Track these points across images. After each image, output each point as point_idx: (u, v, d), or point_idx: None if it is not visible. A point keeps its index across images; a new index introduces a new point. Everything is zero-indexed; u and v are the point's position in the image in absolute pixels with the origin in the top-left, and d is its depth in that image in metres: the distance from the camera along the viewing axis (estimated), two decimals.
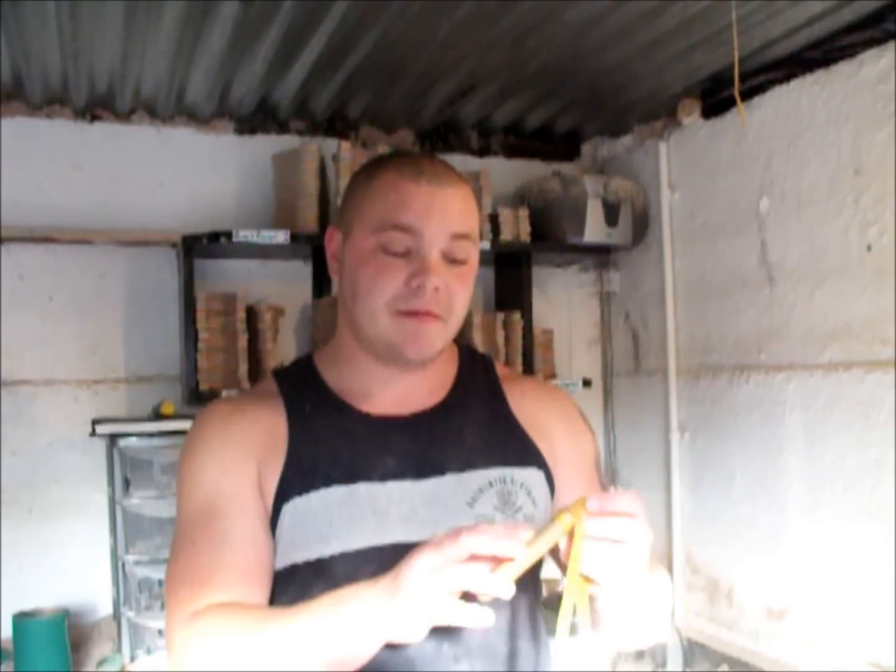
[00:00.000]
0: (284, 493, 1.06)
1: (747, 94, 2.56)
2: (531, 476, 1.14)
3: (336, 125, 3.05)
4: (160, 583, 2.55)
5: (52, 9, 2.08)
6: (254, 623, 0.95)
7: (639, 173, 3.13)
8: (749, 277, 2.69)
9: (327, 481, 1.06)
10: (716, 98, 2.75)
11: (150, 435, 2.58)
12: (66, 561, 2.72)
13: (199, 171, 2.92)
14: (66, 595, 2.67)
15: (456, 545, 0.83)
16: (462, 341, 1.23)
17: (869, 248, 2.30)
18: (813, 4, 2.17)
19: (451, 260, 1.07)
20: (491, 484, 1.10)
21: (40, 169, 2.75)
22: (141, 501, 2.56)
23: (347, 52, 2.42)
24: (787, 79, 2.52)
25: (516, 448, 1.16)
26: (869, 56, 2.29)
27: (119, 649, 2.53)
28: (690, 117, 2.87)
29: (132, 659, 2.52)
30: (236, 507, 1.06)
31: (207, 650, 0.96)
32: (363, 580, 0.90)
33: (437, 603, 0.83)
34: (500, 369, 1.25)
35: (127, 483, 2.56)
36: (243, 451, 1.09)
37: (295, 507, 1.06)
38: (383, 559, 0.96)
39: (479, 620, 0.83)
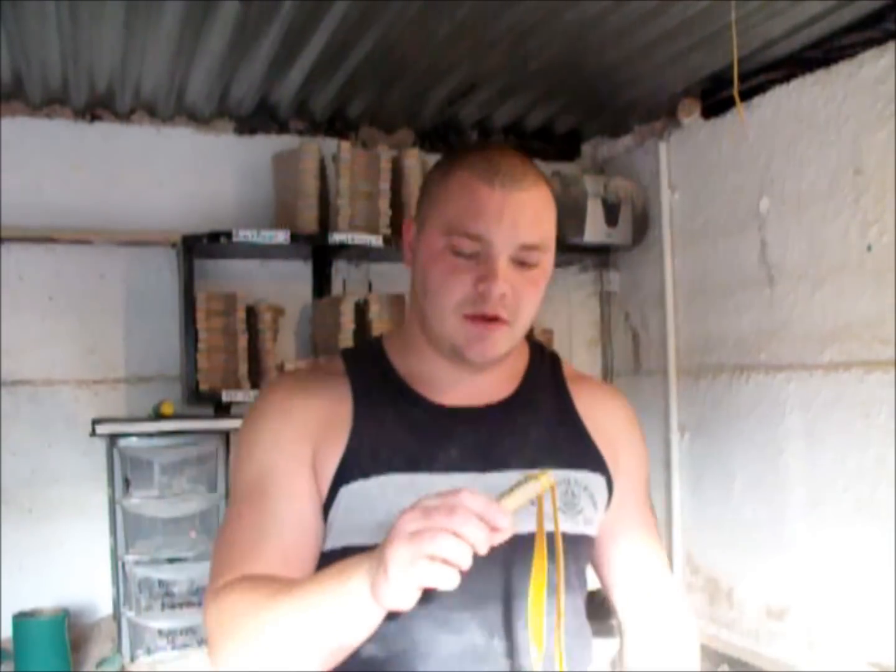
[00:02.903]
0: (343, 475, 1.06)
1: (747, 94, 2.56)
2: (594, 480, 1.14)
3: (336, 125, 3.05)
4: (160, 583, 2.56)
5: (52, 9, 2.08)
6: (265, 598, 0.94)
7: (639, 173, 3.13)
8: (749, 277, 2.69)
9: (388, 468, 1.06)
10: (716, 98, 2.75)
11: (150, 435, 2.58)
12: (66, 561, 2.72)
13: (199, 171, 2.92)
14: (66, 595, 2.67)
15: (448, 518, 0.80)
16: (532, 336, 1.23)
17: (869, 248, 2.30)
18: (813, 4, 2.17)
19: (520, 263, 1.06)
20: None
21: (40, 169, 2.75)
22: (141, 501, 2.56)
23: (347, 52, 2.42)
24: (787, 79, 2.52)
25: (581, 451, 1.15)
26: (869, 56, 2.28)
27: (119, 649, 2.53)
28: (690, 117, 2.87)
29: (132, 659, 2.52)
30: (286, 486, 1.06)
31: (226, 623, 0.97)
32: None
33: (418, 569, 0.80)
34: (567, 369, 1.25)
35: (127, 483, 2.56)
36: (300, 430, 1.09)
37: (353, 492, 1.05)
38: None
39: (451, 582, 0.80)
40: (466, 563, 0.79)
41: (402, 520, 0.81)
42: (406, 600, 0.82)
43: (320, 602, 0.89)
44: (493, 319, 1.06)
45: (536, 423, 1.14)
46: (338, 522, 1.06)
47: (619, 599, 1.27)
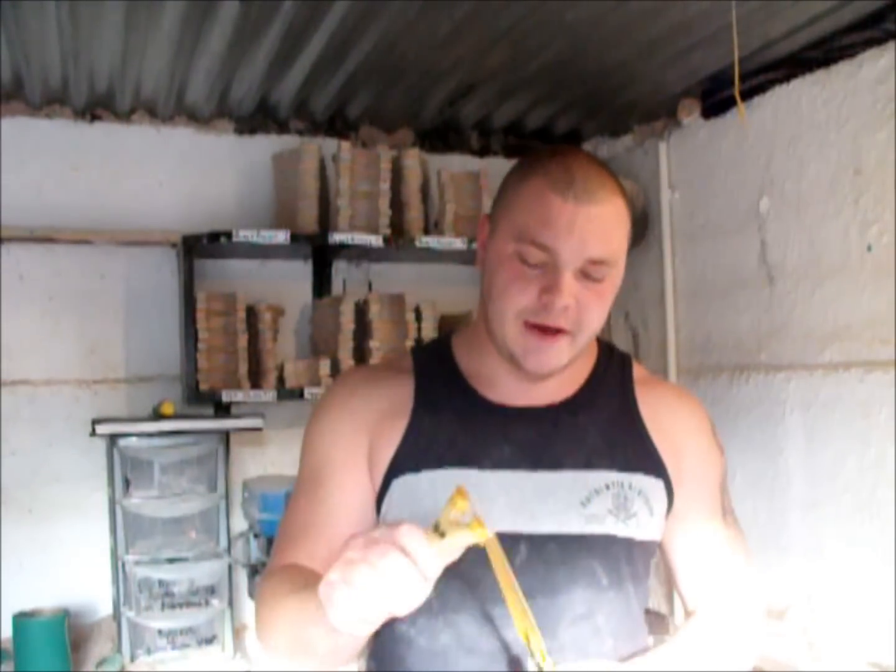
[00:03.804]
0: (397, 467, 1.09)
1: (747, 94, 2.56)
2: (651, 485, 1.13)
3: (336, 125, 3.05)
4: (160, 583, 2.56)
5: (52, 9, 2.08)
6: (283, 596, 1.01)
7: (639, 173, 3.13)
8: (749, 277, 2.69)
9: (439, 462, 1.08)
10: (716, 98, 2.75)
11: (150, 435, 2.58)
12: (66, 561, 2.72)
13: (199, 171, 2.92)
14: (66, 595, 2.67)
15: (371, 570, 0.80)
16: (604, 337, 1.23)
17: (869, 248, 2.30)
18: (813, 4, 2.17)
19: (587, 276, 1.05)
20: (608, 487, 1.10)
21: (40, 169, 2.75)
22: (141, 501, 2.56)
23: (347, 52, 2.42)
24: (787, 79, 2.52)
25: (640, 454, 1.14)
26: (869, 56, 2.28)
27: (119, 649, 2.53)
28: (690, 117, 2.86)
29: (132, 659, 2.52)
30: (339, 478, 1.11)
31: (260, 609, 1.08)
32: (464, 566, 0.91)
33: (351, 601, 0.81)
34: (638, 371, 1.23)
35: (127, 483, 2.56)
36: (359, 422, 1.13)
37: (405, 484, 1.08)
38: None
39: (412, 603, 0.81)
40: (396, 602, 0.80)
41: (345, 546, 0.84)
42: (356, 627, 0.83)
43: (301, 617, 0.95)
44: (555, 331, 1.05)
45: (594, 425, 1.14)
46: (390, 514, 1.09)
47: (688, 606, 1.25)
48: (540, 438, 1.11)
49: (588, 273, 1.05)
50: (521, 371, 1.10)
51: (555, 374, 1.10)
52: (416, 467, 1.08)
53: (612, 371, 1.20)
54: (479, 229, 1.16)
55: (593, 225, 1.04)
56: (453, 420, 1.11)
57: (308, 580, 0.97)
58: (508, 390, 1.13)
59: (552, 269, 1.04)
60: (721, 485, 1.23)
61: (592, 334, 1.10)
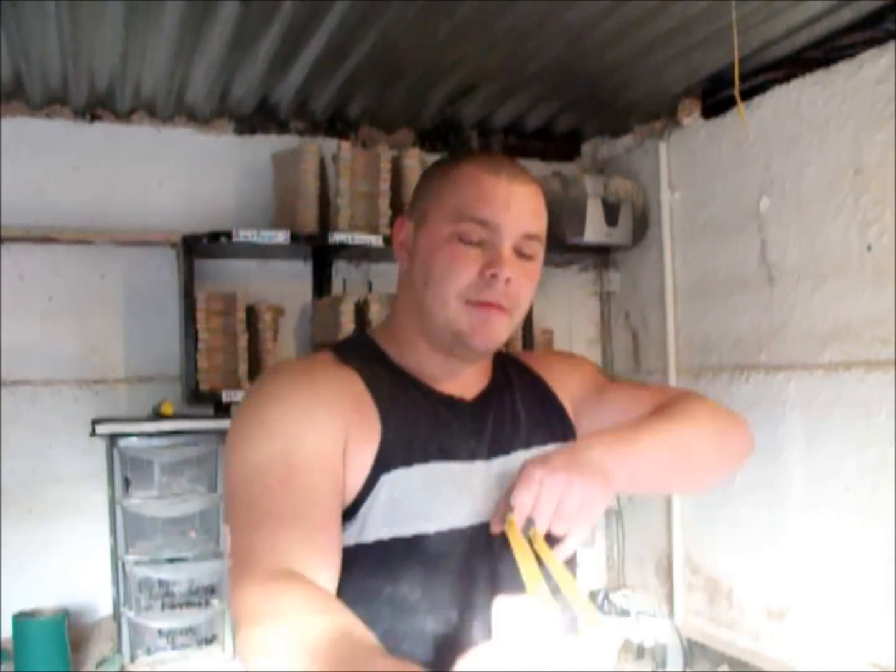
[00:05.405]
0: (385, 462, 1.03)
1: (747, 94, 2.56)
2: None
3: (336, 125, 3.05)
4: (160, 583, 2.56)
5: (52, 9, 2.08)
6: (306, 652, 0.80)
7: (639, 173, 3.13)
8: (749, 277, 2.69)
9: (426, 457, 1.06)
10: (716, 98, 2.75)
11: (150, 435, 2.58)
12: (66, 561, 2.72)
13: (199, 171, 2.92)
14: (66, 595, 2.67)
15: None
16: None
17: (869, 248, 2.30)
18: (813, 4, 2.17)
19: (520, 254, 1.09)
20: None
21: (40, 169, 2.76)
22: (141, 501, 2.56)
23: (347, 52, 2.42)
24: (787, 79, 2.52)
25: (558, 420, 1.20)
26: (869, 56, 2.28)
27: (119, 649, 2.53)
28: (690, 117, 2.87)
29: (132, 659, 2.52)
30: (319, 463, 0.99)
31: (258, 640, 0.84)
32: (456, 558, 0.91)
33: None
34: (515, 352, 1.32)
35: (127, 483, 2.56)
36: (333, 411, 1.03)
37: (396, 479, 1.03)
38: (473, 539, 1.02)
39: None
40: None
41: None
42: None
43: None
44: (495, 307, 1.08)
45: (521, 406, 1.18)
46: (377, 512, 1.02)
47: None
48: (488, 427, 1.13)
49: (522, 250, 1.09)
50: (460, 353, 1.11)
51: (491, 351, 1.14)
52: (406, 462, 1.04)
53: (505, 357, 1.26)
54: (397, 230, 1.17)
55: (527, 201, 1.09)
56: (419, 413, 1.10)
57: (349, 646, 0.80)
58: (447, 384, 1.14)
59: (492, 245, 1.07)
60: (597, 370, 1.30)
61: (524, 314, 1.14)
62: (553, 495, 0.94)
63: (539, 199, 1.12)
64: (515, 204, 1.08)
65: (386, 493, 1.03)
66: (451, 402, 1.13)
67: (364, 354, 1.14)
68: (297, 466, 0.98)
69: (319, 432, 1.01)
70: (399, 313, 1.18)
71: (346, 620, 0.84)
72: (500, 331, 1.09)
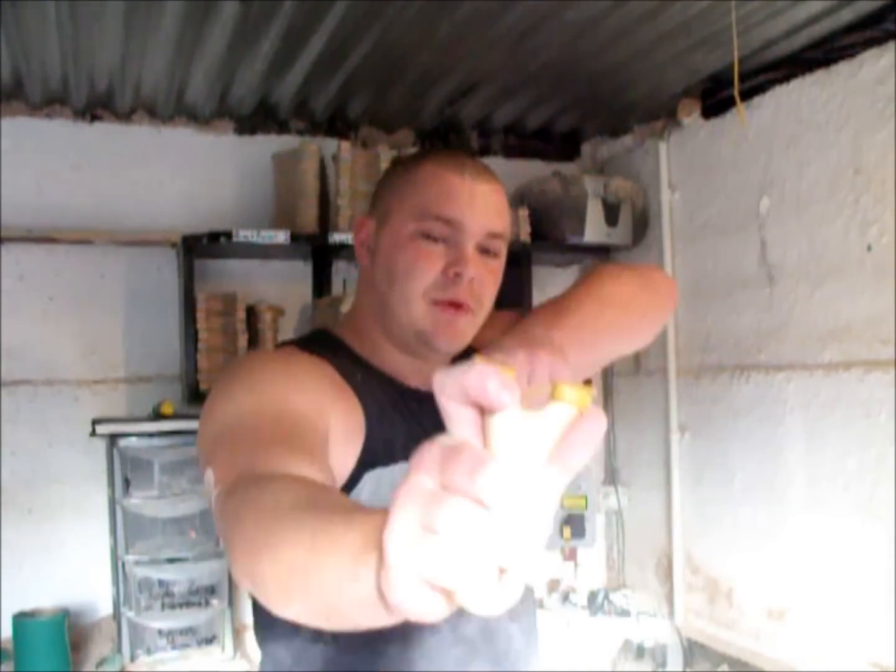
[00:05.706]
0: (370, 460, 1.02)
1: (747, 94, 2.56)
2: None
3: (336, 125, 3.05)
4: (160, 583, 2.56)
5: (52, 9, 2.08)
6: (270, 516, 0.67)
7: (639, 173, 3.13)
8: (749, 277, 2.69)
9: (405, 453, 1.03)
10: (716, 98, 2.75)
11: (150, 435, 2.58)
12: (66, 561, 2.72)
13: (199, 171, 2.92)
14: (66, 595, 2.67)
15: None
16: None
17: (869, 248, 2.30)
18: (813, 4, 2.17)
19: (484, 252, 1.09)
20: None
21: (40, 169, 2.76)
22: (141, 501, 2.56)
23: (347, 52, 2.42)
24: (787, 79, 2.52)
25: None
26: (869, 56, 2.28)
27: (119, 649, 2.53)
28: (690, 117, 2.86)
29: (132, 659, 2.52)
30: (310, 421, 0.90)
31: (237, 542, 0.70)
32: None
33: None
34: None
35: (127, 483, 2.56)
36: (321, 386, 0.98)
37: (378, 478, 1.02)
38: None
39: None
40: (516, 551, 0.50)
41: (415, 465, 0.53)
42: (436, 608, 0.50)
43: (335, 578, 0.59)
44: (459, 307, 1.07)
45: None
46: None
47: None
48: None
49: (486, 248, 1.09)
50: (423, 352, 1.10)
51: (455, 352, 1.11)
52: (388, 460, 1.03)
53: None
54: (358, 228, 1.15)
55: (490, 199, 1.09)
56: (394, 410, 1.09)
57: (328, 500, 0.69)
58: (412, 378, 1.13)
59: (455, 243, 1.07)
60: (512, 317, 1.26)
61: (487, 312, 1.13)
62: (521, 372, 0.90)
63: (502, 197, 1.12)
64: (479, 202, 1.08)
65: (369, 492, 1.01)
66: (421, 398, 1.10)
67: (332, 349, 1.11)
68: (287, 417, 0.88)
69: (306, 394, 0.95)
70: (361, 313, 1.16)
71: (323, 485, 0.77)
72: (465, 331, 1.09)
